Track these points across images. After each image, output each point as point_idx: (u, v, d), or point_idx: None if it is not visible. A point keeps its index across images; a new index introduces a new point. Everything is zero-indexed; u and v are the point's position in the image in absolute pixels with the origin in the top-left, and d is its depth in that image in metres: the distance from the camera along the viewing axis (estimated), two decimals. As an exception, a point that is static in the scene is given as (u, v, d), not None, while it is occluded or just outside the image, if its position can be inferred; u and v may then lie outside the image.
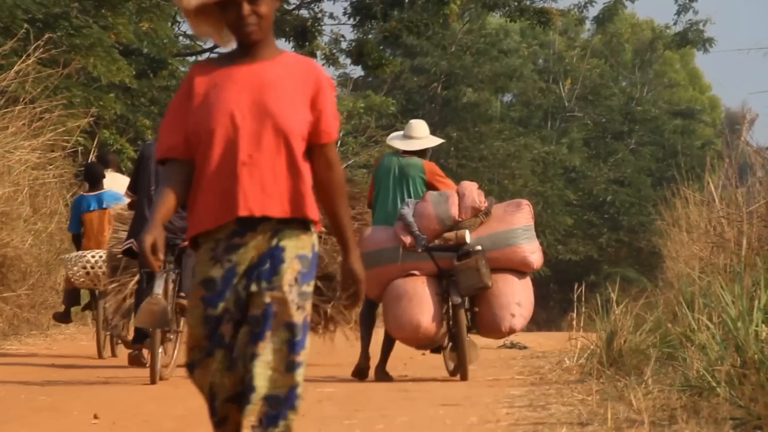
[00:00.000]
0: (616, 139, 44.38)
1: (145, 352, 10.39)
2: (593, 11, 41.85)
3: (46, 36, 16.44)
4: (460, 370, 9.92)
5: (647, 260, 37.49)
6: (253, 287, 4.14)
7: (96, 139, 19.09)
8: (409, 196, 10.23)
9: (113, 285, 11.15)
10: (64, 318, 12.77)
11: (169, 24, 25.05)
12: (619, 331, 9.54)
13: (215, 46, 26.10)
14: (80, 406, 8.13)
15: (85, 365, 11.53)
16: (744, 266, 8.75)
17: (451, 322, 9.81)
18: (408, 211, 9.91)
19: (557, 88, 44.20)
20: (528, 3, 25.24)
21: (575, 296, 10.34)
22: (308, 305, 4.19)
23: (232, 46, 4.34)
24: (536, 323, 37.55)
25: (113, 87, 20.29)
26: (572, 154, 42.65)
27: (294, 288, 4.15)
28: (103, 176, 12.39)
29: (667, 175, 38.91)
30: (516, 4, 24.99)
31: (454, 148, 39.19)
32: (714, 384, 6.85)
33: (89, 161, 13.79)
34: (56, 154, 15.89)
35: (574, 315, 10.52)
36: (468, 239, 9.77)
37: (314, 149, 4.27)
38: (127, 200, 10.56)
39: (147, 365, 10.06)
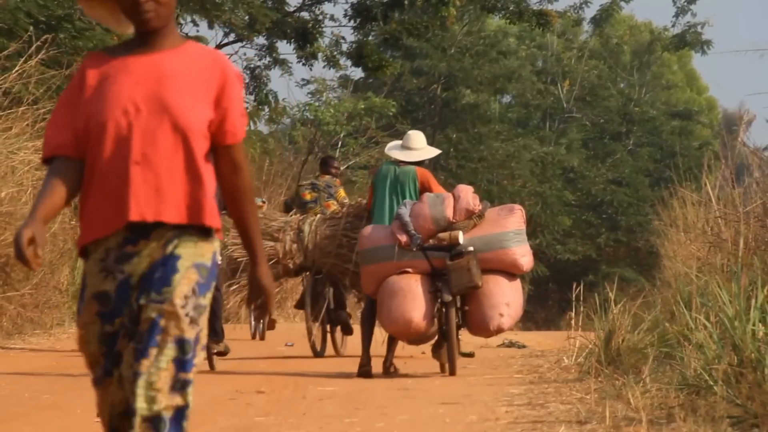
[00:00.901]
0: (614, 140, 44.39)
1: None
2: (590, 12, 41.93)
3: (49, 37, 16.43)
4: (448, 365, 10.19)
5: (645, 260, 37.50)
6: (142, 299, 3.71)
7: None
8: None
9: (233, 287, 11.92)
10: None
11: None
12: (617, 330, 9.56)
13: (218, 46, 26.10)
14: (83, 405, 8.13)
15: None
16: (741, 266, 8.75)
17: (442, 319, 10.07)
18: (405, 211, 10.18)
19: (555, 90, 44.21)
20: (526, 5, 25.22)
21: (574, 296, 10.39)
22: (203, 319, 3.75)
23: (130, 33, 3.94)
24: (535, 322, 37.57)
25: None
26: (571, 154, 42.66)
27: (190, 300, 3.71)
28: None
29: (664, 175, 38.90)
30: (515, 6, 24.97)
31: (454, 149, 39.18)
32: (711, 383, 6.86)
33: None
34: (59, 155, 15.86)
35: (573, 314, 10.56)
36: (461, 240, 10.03)
37: (218, 150, 3.84)
38: None
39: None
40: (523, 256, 10.16)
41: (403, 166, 10.78)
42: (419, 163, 10.88)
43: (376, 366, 10.50)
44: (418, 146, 10.86)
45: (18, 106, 15.28)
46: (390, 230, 10.20)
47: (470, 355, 10.84)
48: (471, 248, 9.97)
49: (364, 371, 10.34)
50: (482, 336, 10.52)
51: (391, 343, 10.54)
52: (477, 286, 9.92)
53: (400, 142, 11.07)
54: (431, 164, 10.99)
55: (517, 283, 10.26)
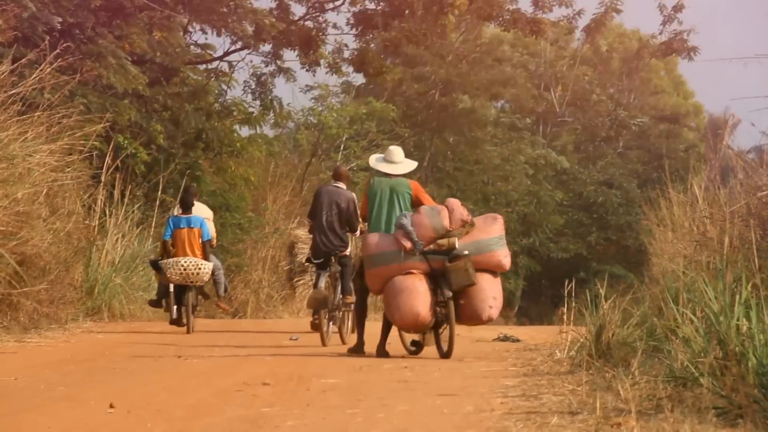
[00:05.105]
0: (604, 143, 44.36)
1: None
2: (582, 21, 41.79)
3: (64, 44, 16.43)
4: (448, 349, 11.31)
5: (634, 258, 37.46)
6: None
7: (111, 143, 19.09)
8: (400, 210, 11.77)
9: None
10: (157, 304, 15.70)
11: (181, 34, 25.05)
12: (607, 325, 9.57)
13: (226, 54, 26.11)
14: (97, 396, 8.15)
15: (101, 357, 11.54)
16: (726, 263, 8.75)
17: (442, 312, 11.23)
18: (407, 222, 11.29)
19: (549, 95, 44.18)
20: (520, 14, 25.18)
21: (566, 292, 10.40)
22: None
23: None
24: (528, 317, 37.58)
25: (127, 94, 20.29)
26: (563, 157, 42.62)
27: None
28: (193, 204, 15.32)
29: (652, 177, 38.91)
30: (510, 15, 24.95)
31: (451, 152, 39.15)
32: (697, 375, 6.86)
33: (184, 191, 16.32)
34: (73, 158, 15.87)
35: (565, 310, 10.56)
36: (457, 245, 11.24)
37: None
38: (308, 224, 13.37)
39: (322, 329, 12.95)
40: (505, 257, 11.43)
41: (395, 177, 11.92)
42: (408, 175, 12.01)
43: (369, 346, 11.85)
44: (401, 160, 12.06)
45: (34, 111, 15.28)
46: (393, 237, 11.31)
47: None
48: (466, 252, 11.18)
49: (357, 349, 11.88)
50: (474, 325, 11.60)
51: (386, 329, 11.63)
52: (473, 284, 11.12)
53: (381, 155, 12.21)
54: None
55: (499, 279, 11.43)
